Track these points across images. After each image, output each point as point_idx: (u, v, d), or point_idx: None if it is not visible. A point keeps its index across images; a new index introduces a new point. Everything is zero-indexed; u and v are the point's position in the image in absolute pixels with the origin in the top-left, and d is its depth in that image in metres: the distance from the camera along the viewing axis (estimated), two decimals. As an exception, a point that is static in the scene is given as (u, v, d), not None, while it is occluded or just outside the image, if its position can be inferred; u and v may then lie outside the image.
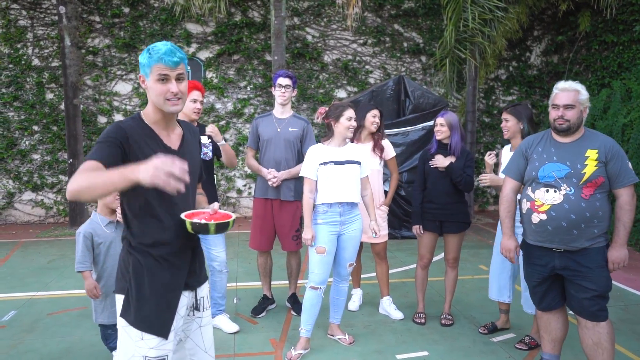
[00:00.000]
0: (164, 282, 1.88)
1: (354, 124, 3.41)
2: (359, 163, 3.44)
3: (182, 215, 1.88)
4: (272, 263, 4.30)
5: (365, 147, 3.99)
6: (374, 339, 3.71)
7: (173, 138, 1.94)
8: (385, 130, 4.47)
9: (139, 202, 1.85)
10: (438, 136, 3.85)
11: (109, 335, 3.11)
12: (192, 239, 1.99)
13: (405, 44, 9.16)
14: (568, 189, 2.65)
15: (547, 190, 2.70)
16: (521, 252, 3.01)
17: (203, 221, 1.84)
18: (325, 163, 3.36)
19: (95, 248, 3.03)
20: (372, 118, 4.01)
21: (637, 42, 7.87)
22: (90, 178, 1.59)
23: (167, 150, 1.88)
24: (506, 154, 3.66)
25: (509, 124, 3.53)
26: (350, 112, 3.40)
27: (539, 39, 9.59)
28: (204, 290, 2.09)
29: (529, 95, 9.57)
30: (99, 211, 3.08)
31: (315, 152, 3.42)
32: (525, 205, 2.81)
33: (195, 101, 3.49)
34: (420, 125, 6.86)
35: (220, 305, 3.85)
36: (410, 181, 6.70)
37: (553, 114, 2.74)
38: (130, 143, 1.79)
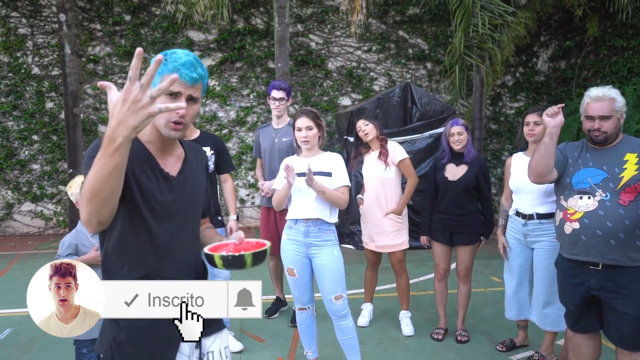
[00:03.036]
0: (150, 340, 1.53)
1: (305, 134, 2.99)
2: (329, 174, 3.01)
3: (206, 249, 1.57)
4: (282, 266, 4.21)
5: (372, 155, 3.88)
6: (386, 358, 3.53)
7: (171, 161, 1.61)
8: (392, 138, 4.33)
9: (117, 237, 1.52)
10: (457, 146, 3.67)
11: (82, 355, 2.80)
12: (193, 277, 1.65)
13: (410, 51, 9.03)
14: (604, 194, 2.44)
15: (581, 197, 2.51)
16: (556, 269, 2.83)
17: (237, 253, 1.49)
18: (298, 174, 2.99)
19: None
20: (359, 131, 3.86)
21: (648, 47, 7.74)
22: (86, 190, 1.30)
23: (163, 176, 1.57)
24: (520, 161, 3.41)
25: (540, 127, 3.26)
26: (300, 122, 3.00)
27: (546, 45, 9.46)
28: (214, 343, 1.73)
29: (537, 101, 9.43)
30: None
31: (287, 164, 3.06)
32: (559, 216, 2.63)
33: None
34: (427, 133, 6.70)
35: (225, 323, 3.68)
36: (418, 190, 6.52)
37: (587, 125, 2.53)
38: None
